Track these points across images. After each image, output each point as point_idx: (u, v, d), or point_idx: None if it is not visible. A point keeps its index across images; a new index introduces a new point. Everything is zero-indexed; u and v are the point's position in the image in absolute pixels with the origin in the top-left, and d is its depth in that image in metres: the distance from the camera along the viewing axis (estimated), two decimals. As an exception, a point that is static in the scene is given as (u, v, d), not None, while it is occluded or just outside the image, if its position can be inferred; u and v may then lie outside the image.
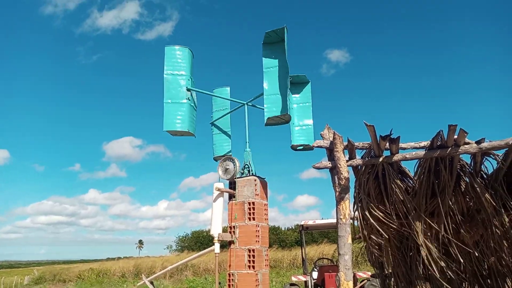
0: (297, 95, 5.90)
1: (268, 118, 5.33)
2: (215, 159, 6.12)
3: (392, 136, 3.46)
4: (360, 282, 8.25)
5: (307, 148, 5.92)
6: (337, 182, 3.74)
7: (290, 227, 52.68)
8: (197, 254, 5.28)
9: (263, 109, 6.28)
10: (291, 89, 5.72)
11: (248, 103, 6.19)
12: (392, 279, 5.42)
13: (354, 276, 8.99)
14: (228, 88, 6.24)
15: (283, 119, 5.36)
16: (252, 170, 5.38)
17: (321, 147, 3.96)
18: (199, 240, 51.40)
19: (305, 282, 9.93)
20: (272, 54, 5.56)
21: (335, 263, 10.71)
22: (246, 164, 5.46)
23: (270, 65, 5.59)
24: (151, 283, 5.48)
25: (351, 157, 3.92)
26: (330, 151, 3.90)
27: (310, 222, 10.14)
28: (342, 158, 3.70)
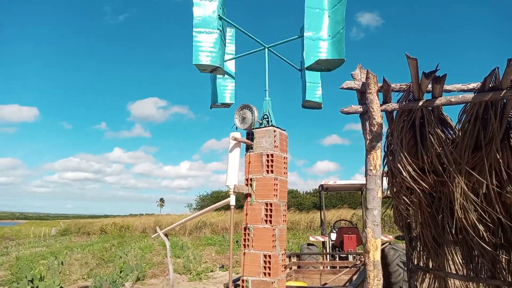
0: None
1: (307, 66, 4.67)
2: (213, 107, 5.49)
3: (437, 74, 2.94)
4: (381, 245, 7.92)
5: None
6: (368, 129, 3.27)
7: (309, 191, 53.77)
8: (212, 206, 4.99)
9: (283, 58, 5.62)
10: None
11: (270, 48, 5.55)
12: (419, 241, 5.03)
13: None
14: (234, 30, 5.39)
15: (327, 66, 4.39)
16: (271, 121, 4.91)
17: (351, 88, 3.45)
18: (219, 200, 52.55)
19: (323, 242, 9.69)
20: None
21: (355, 226, 10.40)
22: (265, 114, 4.98)
23: (316, 5, 4.89)
24: (165, 235, 5.26)
25: (386, 100, 3.41)
26: (362, 94, 3.41)
27: (331, 182, 9.76)
28: (376, 101, 3.21)
